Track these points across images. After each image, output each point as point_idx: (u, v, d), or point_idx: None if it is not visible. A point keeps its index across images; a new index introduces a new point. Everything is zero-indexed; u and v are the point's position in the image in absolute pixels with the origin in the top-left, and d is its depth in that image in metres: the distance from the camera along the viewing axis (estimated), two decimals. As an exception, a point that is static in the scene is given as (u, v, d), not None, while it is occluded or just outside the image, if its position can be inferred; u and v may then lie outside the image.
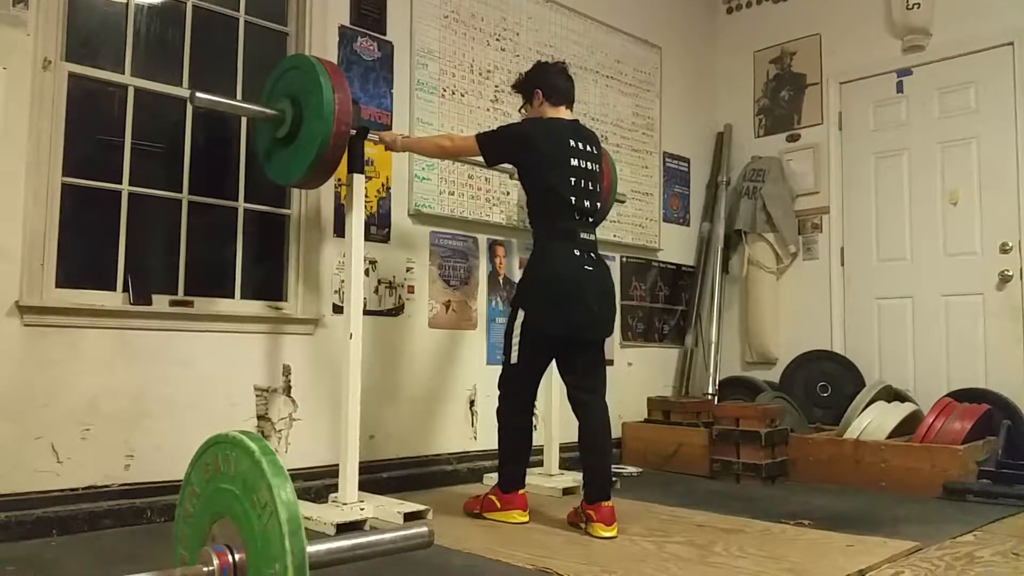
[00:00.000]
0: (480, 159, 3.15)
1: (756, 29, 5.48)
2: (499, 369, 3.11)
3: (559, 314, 2.88)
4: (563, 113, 3.07)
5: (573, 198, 2.94)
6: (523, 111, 3.20)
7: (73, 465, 2.77)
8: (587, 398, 2.97)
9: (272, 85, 3.03)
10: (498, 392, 3.09)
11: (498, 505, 3.01)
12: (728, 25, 5.65)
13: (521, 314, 2.96)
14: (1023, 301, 4.30)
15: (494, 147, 3.05)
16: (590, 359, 3.02)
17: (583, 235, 2.97)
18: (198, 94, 2.74)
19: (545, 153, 2.94)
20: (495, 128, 3.21)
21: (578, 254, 2.93)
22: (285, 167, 2.95)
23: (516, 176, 3.36)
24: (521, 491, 3.02)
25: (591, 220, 3.03)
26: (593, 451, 2.92)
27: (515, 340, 2.97)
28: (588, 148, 3.02)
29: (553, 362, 3.17)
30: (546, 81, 3.08)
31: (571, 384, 3.02)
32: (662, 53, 5.19)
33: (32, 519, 2.63)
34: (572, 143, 2.97)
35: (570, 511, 2.99)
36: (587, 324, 2.93)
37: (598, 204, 3.07)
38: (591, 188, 3.00)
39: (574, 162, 2.96)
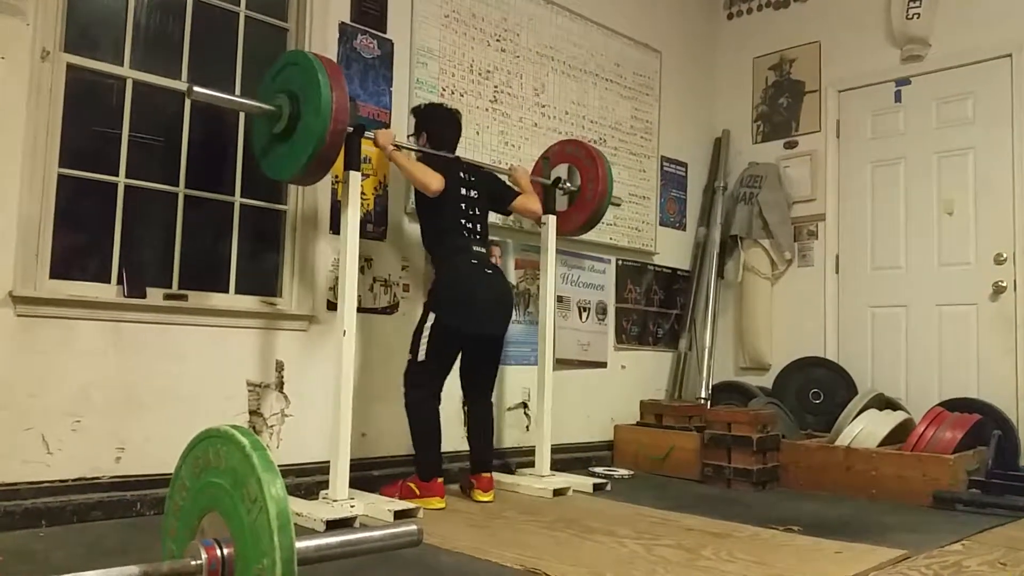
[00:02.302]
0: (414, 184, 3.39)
1: (756, 35, 5.49)
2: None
3: (466, 312, 3.28)
4: (444, 153, 3.46)
5: (463, 220, 3.40)
6: (410, 139, 3.58)
7: (63, 456, 2.76)
8: (479, 393, 3.51)
9: (270, 81, 3.02)
10: (404, 388, 3.33)
11: (417, 493, 3.20)
12: (728, 31, 5.66)
13: (432, 316, 3.28)
14: (1016, 312, 4.32)
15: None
16: (489, 356, 3.50)
17: (476, 248, 3.42)
18: (195, 88, 2.74)
19: (448, 184, 3.30)
20: (430, 161, 3.39)
21: (476, 263, 3.38)
22: (281, 163, 2.95)
23: (413, 205, 3.58)
24: (439, 479, 3.24)
25: (479, 237, 3.47)
26: (482, 434, 3.48)
27: (424, 339, 3.27)
28: (471, 179, 3.48)
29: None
30: (433, 129, 3.49)
31: (466, 377, 3.49)
32: (662, 57, 5.20)
33: (21, 510, 2.62)
34: (460, 175, 3.43)
35: (464, 482, 3.49)
36: (487, 320, 3.37)
37: (482, 226, 3.50)
38: (477, 212, 3.48)
39: (463, 191, 3.42)
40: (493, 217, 4.12)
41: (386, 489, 3.29)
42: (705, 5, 5.63)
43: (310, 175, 2.94)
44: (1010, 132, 4.41)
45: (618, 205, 4.31)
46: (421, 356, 3.28)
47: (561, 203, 4.01)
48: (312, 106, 2.78)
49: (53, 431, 2.75)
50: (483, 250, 3.46)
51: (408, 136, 3.59)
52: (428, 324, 3.28)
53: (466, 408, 3.62)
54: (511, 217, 4.14)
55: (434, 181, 3.24)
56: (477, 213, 3.48)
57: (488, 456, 3.48)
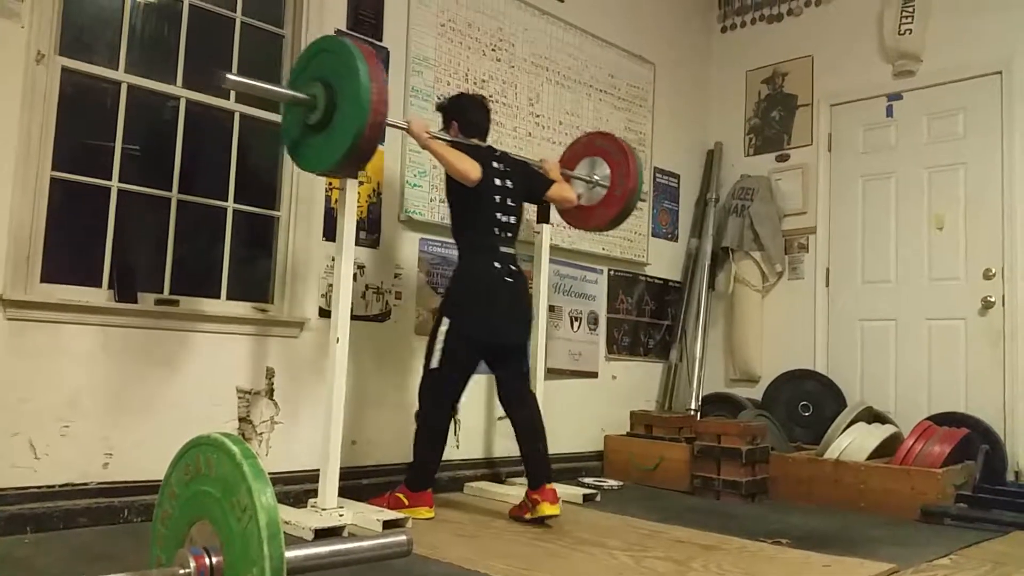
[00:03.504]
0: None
1: (749, 49, 5.53)
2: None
3: (482, 321, 3.17)
4: (477, 142, 3.33)
5: (498, 214, 3.26)
6: (441, 132, 3.38)
7: (51, 462, 2.74)
8: (517, 394, 3.30)
9: (301, 67, 2.91)
10: (419, 397, 3.24)
11: (406, 503, 3.13)
12: (722, 44, 5.70)
13: (446, 322, 3.17)
14: (1004, 327, 4.35)
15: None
16: (517, 362, 3.34)
17: (503, 249, 3.27)
18: (228, 76, 2.67)
19: (483, 174, 3.17)
20: (462, 151, 3.23)
21: (499, 266, 3.23)
22: (316, 155, 2.84)
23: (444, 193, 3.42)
24: (429, 491, 3.19)
25: (511, 235, 3.33)
26: (533, 441, 3.23)
27: (438, 346, 3.16)
28: (505, 168, 3.34)
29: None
30: (463, 116, 3.37)
31: (502, 386, 3.33)
32: (655, 69, 5.23)
33: (6, 515, 2.60)
34: (494, 165, 3.28)
35: (511, 508, 3.25)
36: (504, 330, 3.24)
37: (516, 219, 3.35)
38: (511, 204, 3.32)
39: (497, 182, 3.27)
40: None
41: (374, 500, 3.23)
42: (699, 18, 5.67)
43: (347, 168, 2.83)
44: (1000, 148, 4.44)
45: (644, 200, 4.26)
46: (435, 363, 3.17)
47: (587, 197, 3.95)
48: (350, 96, 2.66)
49: (41, 436, 2.73)
50: (511, 251, 3.30)
51: (439, 131, 3.39)
52: (442, 330, 3.17)
53: (504, 418, 3.40)
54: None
55: (473, 170, 3.12)
56: (512, 205, 3.33)
57: (545, 465, 3.20)
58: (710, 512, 3.63)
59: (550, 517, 3.09)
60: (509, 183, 3.32)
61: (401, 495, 3.18)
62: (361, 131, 2.65)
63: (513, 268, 3.28)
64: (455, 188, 3.23)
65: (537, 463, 3.19)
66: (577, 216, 3.91)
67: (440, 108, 3.50)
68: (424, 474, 3.20)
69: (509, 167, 3.36)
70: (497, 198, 3.27)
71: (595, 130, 4.30)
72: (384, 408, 3.69)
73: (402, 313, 3.79)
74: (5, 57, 2.70)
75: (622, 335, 4.95)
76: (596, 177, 3.92)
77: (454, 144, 3.24)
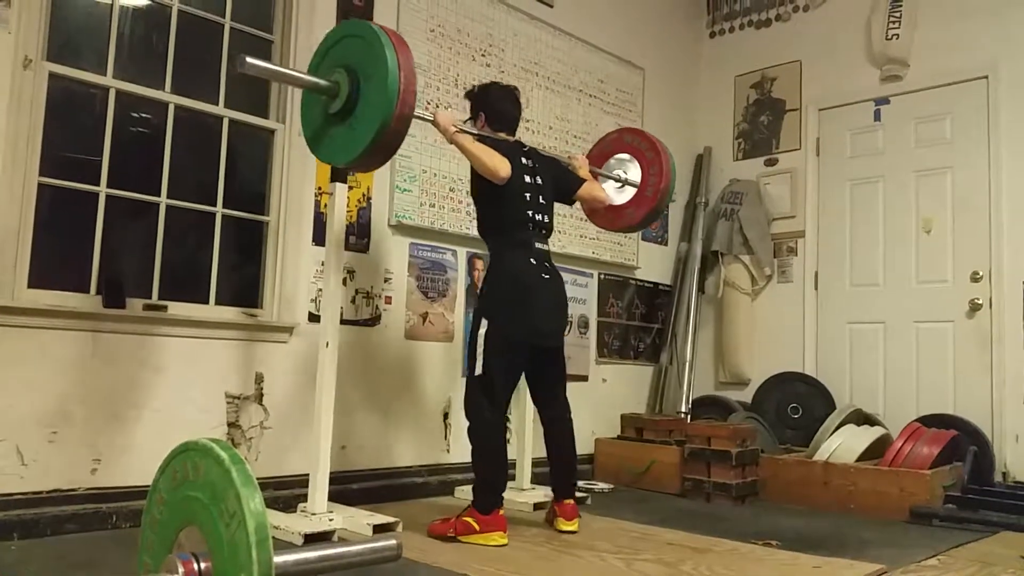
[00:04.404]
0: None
1: (738, 54, 5.55)
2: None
3: (522, 319, 2.98)
4: (504, 136, 3.15)
5: (530, 211, 3.08)
6: (467, 123, 3.23)
7: (38, 468, 2.73)
8: (554, 409, 3.21)
9: (323, 52, 2.77)
10: (464, 411, 3.04)
11: (477, 528, 2.86)
12: (711, 49, 5.73)
13: (485, 323, 2.97)
14: (991, 330, 4.37)
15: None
16: (554, 366, 3.20)
17: (538, 245, 3.09)
18: (248, 59, 2.48)
19: (512, 170, 2.99)
20: (489, 146, 3.07)
21: (535, 263, 3.05)
22: (338, 147, 2.67)
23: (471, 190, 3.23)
24: (500, 511, 2.91)
25: (544, 232, 3.15)
26: (561, 452, 3.18)
27: (479, 350, 2.95)
28: (535, 165, 3.17)
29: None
30: (491, 107, 3.20)
31: (537, 392, 3.23)
32: (645, 74, 5.25)
33: (-6, 522, 2.59)
34: (523, 161, 3.12)
35: (548, 512, 3.21)
36: (547, 331, 3.09)
37: (548, 217, 3.17)
38: (542, 201, 3.14)
39: (527, 179, 3.10)
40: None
41: (437, 526, 2.94)
42: (688, 23, 5.69)
43: (370, 161, 2.67)
44: (986, 152, 4.48)
45: (673, 201, 4.10)
46: (478, 370, 2.94)
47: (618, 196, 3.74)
48: (377, 85, 2.48)
49: (28, 442, 2.71)
50: (545, 248, 3.12)
51: (464, 121, 3.23)
52: (482, 332, 2.94)
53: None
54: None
55: (503, 167, 2.92)
56: (543, 202, 3.13)
57: (571, 479, 3.15)
58: (700, 514, 3.63)
59: (566, 533, 3.05)
60: (539, 180, 3.14)
61: (470, 519, 2.88)
62: (387, 122, 2.46)
63: (548, 265, 3.10)
64: (483, 186, 3.02)
65: (562, 476, 3.16)
66: (605, 216, 3.71)
67: (468, 95, 3.32)
68: (489, 493, 2.90)
69: (538, 163, 3.19)
70: (528, 195, 3.08)
71: (625, 125, 4.18)
72: (374, 413, 3.68)
73: (392, 318, 3.79)
74: (-8, 62, 2.70)
75: (612, 338, 4.96)
76: (625, 176, 3.70)
77: (480, 139, 3.05)
